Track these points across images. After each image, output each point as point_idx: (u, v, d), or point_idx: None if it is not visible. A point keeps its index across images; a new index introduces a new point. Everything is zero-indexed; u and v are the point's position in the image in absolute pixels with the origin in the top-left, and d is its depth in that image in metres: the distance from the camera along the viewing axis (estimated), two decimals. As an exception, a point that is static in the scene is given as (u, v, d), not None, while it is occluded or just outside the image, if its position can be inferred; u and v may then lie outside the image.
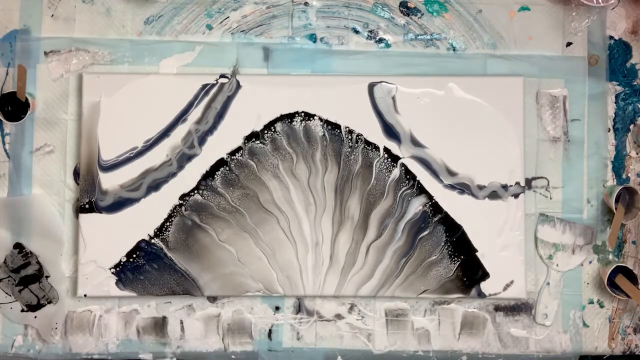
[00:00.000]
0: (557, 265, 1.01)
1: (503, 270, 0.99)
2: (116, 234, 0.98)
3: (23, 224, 0.99)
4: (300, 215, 0.99)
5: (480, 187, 0.99)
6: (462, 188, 0.99)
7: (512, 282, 0.99)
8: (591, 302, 1.01)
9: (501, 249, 0.99)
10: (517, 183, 0.99)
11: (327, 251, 0.99)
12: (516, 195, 0.99)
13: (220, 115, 0.99)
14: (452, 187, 0.99)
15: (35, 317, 0.99)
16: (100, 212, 0.98)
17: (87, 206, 0.98)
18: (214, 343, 1.00)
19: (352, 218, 0.99)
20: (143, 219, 0.98)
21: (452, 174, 0.99)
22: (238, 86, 1.00)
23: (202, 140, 0.99)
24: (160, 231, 0.98)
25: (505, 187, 0.99)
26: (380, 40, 1.03)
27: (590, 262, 1.02)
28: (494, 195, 0.99)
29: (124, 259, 0.98)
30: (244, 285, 0.99)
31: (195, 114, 0.99)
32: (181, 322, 1.00)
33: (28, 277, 0.99)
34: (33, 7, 1.01)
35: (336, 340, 1.00)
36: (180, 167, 0.99)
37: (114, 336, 1.00)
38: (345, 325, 1.00)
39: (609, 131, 1.02)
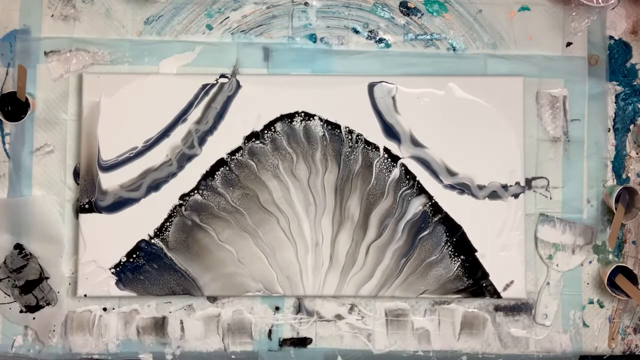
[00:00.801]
0: (557, 265, 1.01)
1: (503, 270, 0.99)
2: (116, 234, 0.98)
3: (23, 226, 0.99)
4: (300, 215, 0.99)
5: (480, 187, 0.99)
6: (462, 188, 0.99)
7: (512, 282, 0.99)
8: (591, 302, 1.01)
9: (501, 249, 0.99)
10: (517, 183, 0.99)
11: (327, 251, 0.99)
12: (516, 195, 0.99)
13: (220, 115, 0.99)
14: (452, 187, 0.99)
15: (34, 318, 0.99)
16: (100, 212, 0.98)
17: (87, 206, 0.98)
18: (214, 343, 1.00)
19: (352, 218, 0.99)
20: (143, 219, 0.98)
21: (452, 174, 0.99)
22: (238, 86, 1.00)
23: (202, 140, 0.99)
24: (160, 231, 0.98)
25: (505, 187, 0.99)
26: (380, 40, 1.03)
27: (590, 262, 1.02)
28: (494, 195, 0.99)
29: (124, 259, 0.98)
30: (244, 285, 0.99)
31: (195, 114, 0.99)
32: (181, 322, 1.00)
33: (29, 282, 0.99)
34: (33, 7, 1.01)
35: (336, 340, 1.00)
36: (180, 167, 0.99)
37: (114, 336, 1.00)
38: (345, 325, 1.00)
39: (609, 131, 1.02)
